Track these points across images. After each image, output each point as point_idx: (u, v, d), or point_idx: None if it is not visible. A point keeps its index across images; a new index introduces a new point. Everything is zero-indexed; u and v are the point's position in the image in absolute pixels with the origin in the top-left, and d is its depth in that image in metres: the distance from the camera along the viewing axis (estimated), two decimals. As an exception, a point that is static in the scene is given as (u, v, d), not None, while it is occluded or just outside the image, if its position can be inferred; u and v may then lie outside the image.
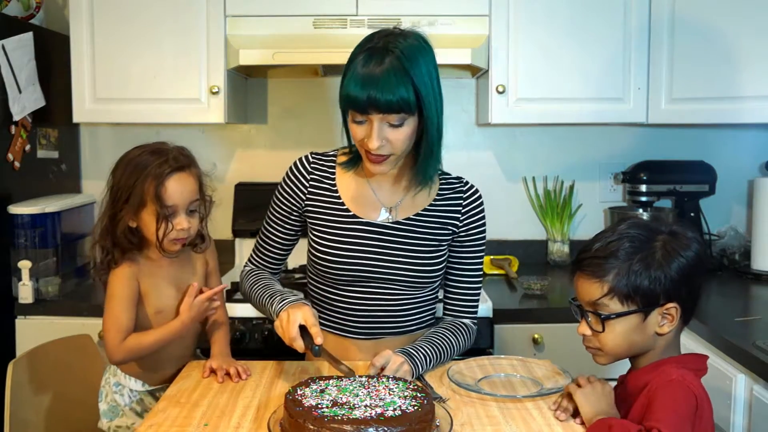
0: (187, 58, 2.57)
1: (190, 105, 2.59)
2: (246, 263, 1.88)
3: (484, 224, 1.79)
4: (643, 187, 2.83)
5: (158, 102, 2.59)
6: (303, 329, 1.53)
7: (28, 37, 2.49)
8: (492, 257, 2.86)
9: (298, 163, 1.78)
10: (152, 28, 2.56)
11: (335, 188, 1.74)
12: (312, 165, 1.77)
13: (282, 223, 1.80)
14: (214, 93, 2.57)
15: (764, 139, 2.94)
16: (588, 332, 1.43)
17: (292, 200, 1.76)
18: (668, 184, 2.83)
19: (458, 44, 2.47)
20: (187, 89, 2.58)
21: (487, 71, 2.62)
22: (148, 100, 2.59)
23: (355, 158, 1.72)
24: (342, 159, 1.76)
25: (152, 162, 1.61)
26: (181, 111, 2.59)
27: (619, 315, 1.38)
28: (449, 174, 1.80)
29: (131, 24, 2.56)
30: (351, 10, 2.54)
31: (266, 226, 1.82)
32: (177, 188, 1.62)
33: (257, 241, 1.85)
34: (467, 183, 1.80)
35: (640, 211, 2.86)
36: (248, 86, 2.97)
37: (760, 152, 2.92)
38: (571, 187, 2.97)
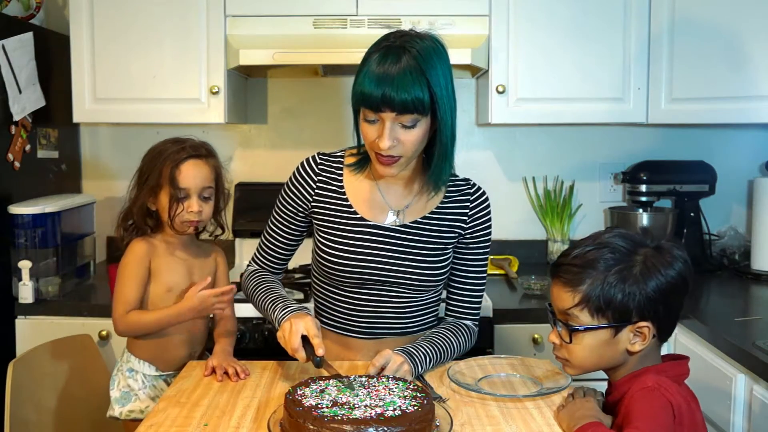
0: (187, 58, 2.57)
1: (190, 105, 2.59)
2: (249, 263, 1.88)
3: (490, 227, 1.78)
4: (643, 187, 2.83)
5: (158, 102, 2.59)
6: (305, 339, 1.53)
7: (28, 37, 2.49)
8: (492, 257, 2.86)
9: (305, 163, 1.77)
10: (152, 28, 2.56)
11: (343, 190, 1.73)
12: (320, 166, 1.75)
13: (288, 224, 1.79)
14: (214, 93, 2.57)
15: (764, 139, 2.94)
16: (557, 341, 1.40)
17: (299, 201, 1.76)
18: (668, 184, 2.83)
19: (458, 44, 2.47)
20: (187, 89, 2.58)
21: (487, 71, 2.62)
22: (148, 100, 2.59)
23: (363, 160, 1.71)
24: (350, 160, 1.75)
25: (171, 148, 1.76)
26: (181, 111, 2.59)
27: (587, 329, 1.34)
28: (456, 175, 1.78)
29: (131, 24, 2.56)
30: (351, 10, 2.54)
31: (271, 225, 1.81)
32: (190, 172, 1.74)
33: (261, 241, 1.84)
34: (474, 185, 1.79)
35: (640, 211, 2.86)
36: (248, 86, 2.97)
37: (760, 152, 2.92)
38: (571, 187, 2.97)
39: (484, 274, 1.82)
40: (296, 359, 1.54)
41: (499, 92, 2.59)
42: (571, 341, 1.36)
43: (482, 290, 1.82)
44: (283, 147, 2.99)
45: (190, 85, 2.58)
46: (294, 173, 1.77)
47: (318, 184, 1.74)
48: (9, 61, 2.38)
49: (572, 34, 2.58)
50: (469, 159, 2.96)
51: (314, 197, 1.74)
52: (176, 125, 2.72)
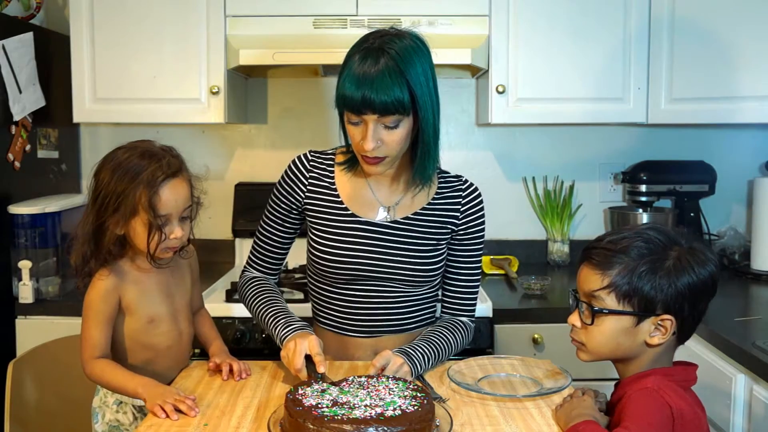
0: (187, 58, 2.57)
1: (190, 105, 2.59)
2: (245, 267, 1.87)
3: (483, 223, 1.79)
4: (643, 187, 2.83)
5: (158, 102, 2.59)
6: (307, 358, 1.54)
7: (28, 37, 2.49)
8: (492, 257, 2.86)
9: (297, 161, 1.78)
10: (152, 28, 2.56)
11: (334, 187, 1.74)
12: (311, 163, 1.76)
13: (281, 223, 1.79)
14: (214, 93, 2.57)
15: (764, 139, 2.94)
16: (578, 323, 1.40)
17: (291, 198, 1.76)
18: (668, 184, 2.83)
19: (458, 44, 2.47)
20: (187, 89, 2.58)
21: (487, 71, 2.62)
22: (148, 100, 2.59)
23: (353, 159, 1.72)
24: (340, 158, 1.76)
25: (144, 168, 1.50)
26: (181, 111, 2.59)
27: (611, 312, 1.35)
28: (448, 172, 1.79)
29: (131, 24, 2.56)
30: (351, 10, 2.54)
31: (264, 226, 1.81)
32: (171, 196, 1.51)
33: (255, 244, 1.84)
34: (466, 181, 1.79)
35: (640, 211, 2.86)
36: (248, 86, 2.97)
37: (760, 152, 2.92)
38: (571, 187, 2.97)
39: (479, 271, 1.82)
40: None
41: (499, 92, 2.59)
42: (592, 323, 1.37)
43: (477, 286, 1.83)
44: (283, 147, 2.99)
45: (190, 85, 2.58)
46: (286, 171, 1.78)
47: (310, 180, 1.75)
48: (9, 61, 2.38)
49: (572, 34, 2.58)
50: (469, 159, 2.97)
51: (306, 194, 1.75)
52: (176, 125, 2.72)
